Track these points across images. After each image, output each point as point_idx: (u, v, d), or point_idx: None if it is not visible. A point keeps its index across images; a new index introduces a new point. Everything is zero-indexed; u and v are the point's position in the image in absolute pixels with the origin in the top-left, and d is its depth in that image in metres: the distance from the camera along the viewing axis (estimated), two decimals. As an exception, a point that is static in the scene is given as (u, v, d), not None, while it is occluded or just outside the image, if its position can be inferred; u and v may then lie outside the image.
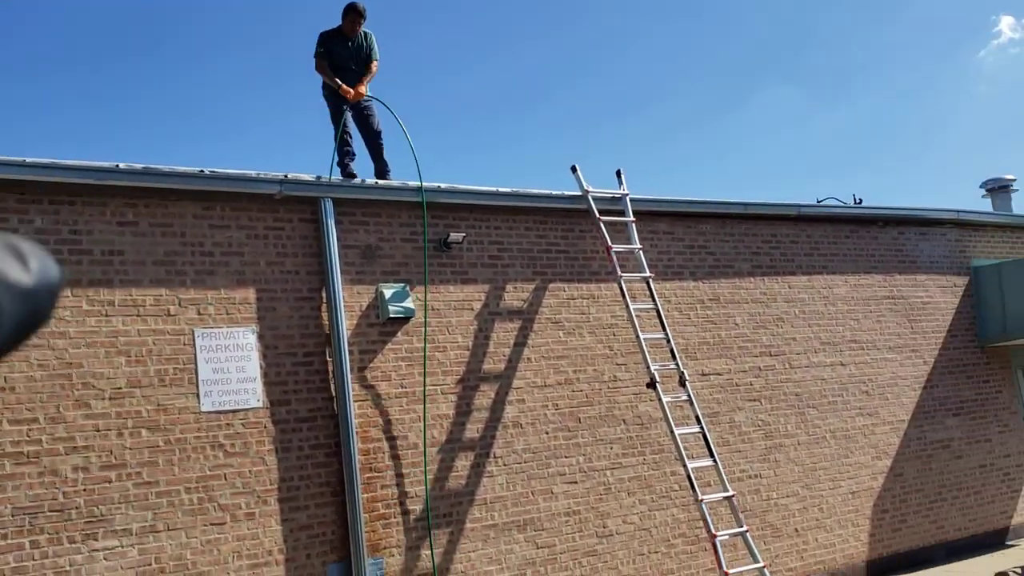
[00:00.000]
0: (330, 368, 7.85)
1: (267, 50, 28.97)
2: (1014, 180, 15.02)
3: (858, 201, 12.64)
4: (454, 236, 8.62)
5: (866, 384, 11.24)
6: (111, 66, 26.97)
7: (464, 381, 8.52)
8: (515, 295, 8.99)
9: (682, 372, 9.03)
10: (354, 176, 8.56)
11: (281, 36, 28.55)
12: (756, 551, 8.64)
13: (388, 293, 8.21)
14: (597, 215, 9.27)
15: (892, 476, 11.16)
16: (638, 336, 8.87)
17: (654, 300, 9.22)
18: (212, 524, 7.13)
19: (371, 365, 8.07)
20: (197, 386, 7.26)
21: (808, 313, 10.97)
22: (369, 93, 8.95)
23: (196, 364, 7.29)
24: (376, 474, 7.91)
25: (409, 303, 8.27)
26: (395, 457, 8.04)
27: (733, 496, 8.83)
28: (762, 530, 9.85)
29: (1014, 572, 9.51)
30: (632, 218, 9.53)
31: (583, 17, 30.63)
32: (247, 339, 7.55)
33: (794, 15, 32.65)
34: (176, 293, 7.35)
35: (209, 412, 7.28)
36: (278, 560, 7.34)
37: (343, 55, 8.94)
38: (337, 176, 8.41)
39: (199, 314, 7.40)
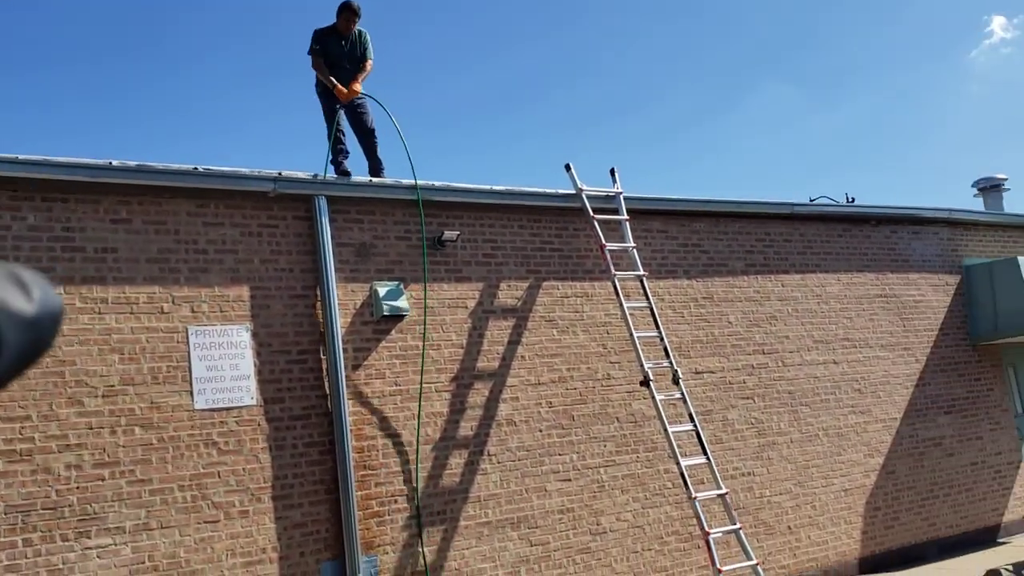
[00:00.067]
0: (324, 366, 7.84)
1: (261, 48, 28.93)
2: (1006, 179, 15.11)
3: (851, 200, 12.69)
4: (448, 234, 8.62)
5: (859, 382, 11.28)
6: (107, 63, 26.91)
7: (458, 379, 8.52)
8: (509, 293, 9.00)
9: (675, 370, 9.05)
10: (348, 174, 8.54)
11: (275, 34, 28.52)
12: (749, 548, 8.67)
13: (382, 291, 8.21)
14: (591, 213, 9.29)
15: (884, 474, 11.20)
16: (631, 334, 8.89)
17: (648, 298, 9.24)
18: (206, 522, 7.12)
19: (365, 363, 8.07)
20: (191, 384, 7.25)
21: (801, 311, 11.00)
22: (363, 91, 8.95)
23: (190, 361, 7.28)
24: (370, 472, 7.91)
25: (403, 301, 8.27)
26: (389, 455, 8.04)
27: (726, 494, 8.86)
28: (755, 528, 9.88)
29: (1006, 569, 9.52)
30: (626, 216, 9.54)
31: (581, 17, 30.67)
32: (241, 337, 7.54)
33: (789, 15, 32.74)
34: (170, 290, 7.33)
35: (203, 410, 7.27)
36: (272, 558, 7.33)
37: (337, 53, 8.93)
38: (331, 174, 8.40)
39: (193, 311, 7.39)
